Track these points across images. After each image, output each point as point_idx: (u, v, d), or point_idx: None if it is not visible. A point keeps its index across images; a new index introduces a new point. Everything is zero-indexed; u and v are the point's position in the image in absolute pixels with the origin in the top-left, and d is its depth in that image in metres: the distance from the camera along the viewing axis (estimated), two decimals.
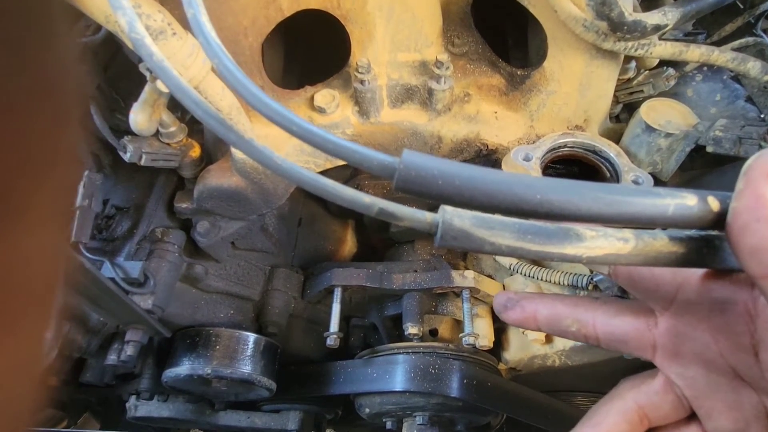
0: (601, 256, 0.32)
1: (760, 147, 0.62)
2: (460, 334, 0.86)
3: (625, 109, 0.86)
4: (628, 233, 0.32)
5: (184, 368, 0.79)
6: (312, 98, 0.81)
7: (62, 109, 0.20)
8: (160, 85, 0.59)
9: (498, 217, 0.31)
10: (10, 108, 0.17)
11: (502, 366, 0.98)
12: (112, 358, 0.76)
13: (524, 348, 0.93)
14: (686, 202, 0.31)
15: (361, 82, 0.76)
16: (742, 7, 0.79)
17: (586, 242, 0.31)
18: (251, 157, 0.33)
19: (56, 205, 0.20)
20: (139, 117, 0.68)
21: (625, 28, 0.57)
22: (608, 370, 0.90)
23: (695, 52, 0.62)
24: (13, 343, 0.19)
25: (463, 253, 1.04)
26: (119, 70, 0.93)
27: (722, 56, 0.62)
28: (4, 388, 0.19)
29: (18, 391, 0.20)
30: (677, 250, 0.33)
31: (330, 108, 0.80)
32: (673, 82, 0.75)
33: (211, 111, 0.34)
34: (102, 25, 0.54)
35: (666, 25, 0.60)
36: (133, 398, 0.91)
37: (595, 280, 0.74)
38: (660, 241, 0.32)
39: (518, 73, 0.78)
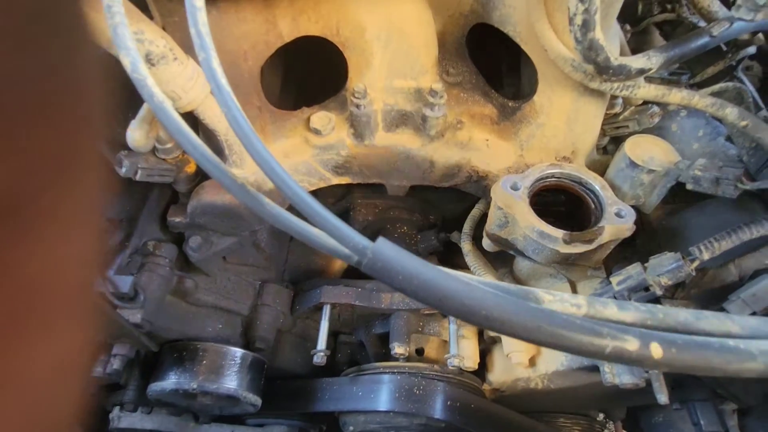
0: None
1: (736, 188, 0.65)
2: (446, 355, 0.87)
3: (611, 141, 0.89)
4: (581, 299, 0.36)
5: (170, 382, 0.80)
6: (308, 119, 0.83)
7: (88, 113, 0.20)
8: None
9: (474, 276, 0.35)
10: (39, 109, 0.17)
11: (486, 386, 1.00)
12: (98, 370, 0.76)
13: (508, 370, 0.95)
14: (626, 346, 0.32)
15: (357, 106, 0.78)
16: (725, 49, 0.83)
17: (543, 305, 0.35)
18: (243, 202, 0.35)
19: (87, 210, 0.21)
20: (136, 134, 0.69)
21: (611, 71, 0.60)
22: (588, 394, 0.92)
23: (677, 96, 0.65)
24: (50, 345, 0.19)
25: None
26: (115, 81, 0.94)
27: (702, 101, 0.65)
28: (45, 388, 0.20)
29: (59, 391, 0.21)
30: (624, 318, 0.36)
31: (326, 130, 0.82)
32: (657, 119, 0.78)
33: (207, 155, 0.36)
34: (105, 49, 0.56)
35: (650, 69, 0.63)
36: (116, 409, 0.91)
37: None
38: (609, 310, 0.36)
39: (510, 104, 0.81)
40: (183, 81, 0.58)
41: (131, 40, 0.41)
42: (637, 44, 0.98)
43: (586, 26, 0.54)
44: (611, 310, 0.36)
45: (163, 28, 0.65)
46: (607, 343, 0.31)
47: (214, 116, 0.64)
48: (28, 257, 0.17)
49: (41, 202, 0.18)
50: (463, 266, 1.00)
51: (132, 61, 0.40)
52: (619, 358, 0.31)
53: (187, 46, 0.64)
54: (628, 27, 0.94)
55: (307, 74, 1.03)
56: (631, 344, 0.31)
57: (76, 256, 0.20)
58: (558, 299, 0.36)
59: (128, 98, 0.97)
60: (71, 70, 0.19)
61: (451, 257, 1.05)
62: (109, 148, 0.82)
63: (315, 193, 0.73)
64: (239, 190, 0.34)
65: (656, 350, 0.32)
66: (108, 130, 0.91)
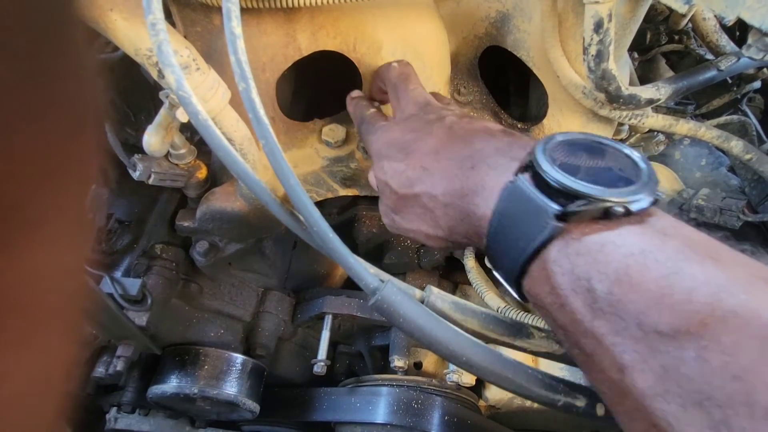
0: (541, 351, 0.44)
1: (738, 219, 0.66)
2: (445, 371, 0.88)
3: None
4: None
5: (171, 386, 0.80)
6: (320, 131, 0.84)
7: (79, 119, 0.20)
8: (180, 114, 0.61)
9: (471, 305, 0.41)
10: (26, 114, 0.16)
11: (482, 403, 1.00)
12: (100, 371, 0.76)
13: None
14: (575, 402, 0.39)
15: None
16: (730, 82, 0.85)
17: (533, 340, 0.42)
18: (294, 231, 0.38)
19: (72, 218, 0.20)
20: (153, 139, 0.69)
21: (621, 100, 0.61)
22: None
23: (684, 127, 0.66)
24: (30, 358, 0.19)
25: (453, 288, 1.06)
26: (130, 83, 0.95)
27: (708, 133, 0.66)
28: (25, 404, 0.19)
29: (39, 406, 0.20)
30: None
31: (337, 142, 0.83)
32: (662, 147, 0.80)
33: (255, 179, 0.38)
34: (131, 56, 0.57)
35: (659, 99, 0.64)
36: (114, 410, 0.91)
37: None
38: None
39: (519, 125, 0.82)
40: (203, 91, 0.60)
41: (174, 57, 0.42)
42: (643, 72, 1.01)
43: (600, 56, 0.56)
44: None
45: (185, 37, 0.66)
46: (560, 398, 0.38)
47: (231, 125, 0.65)
48: (8, 266, 0.17)
49: (26, 211, 0.17)
50: (465, 282, 1.01)
51: (177, 78, 0.42)
52: (568, 410, 0.39)
53: (207, 55, 0.66)
54: (636, 55, 0.96)
55: (318, 86, 1.05)
56: (580, 402, 0.39)
57: (60, 267, 0.20)
58: (544, 336, 0.42)
59: (138, 101, 0.99)
60: (64, 75, 0.18)
61: (453, 273, 1.06)
62: (121, 150, 0.83)
63: (321, 204, 0.74)
64: (288, 218, 0.37)
65: (600, 409, 0.39)
66: (119, 133, 0.92)
